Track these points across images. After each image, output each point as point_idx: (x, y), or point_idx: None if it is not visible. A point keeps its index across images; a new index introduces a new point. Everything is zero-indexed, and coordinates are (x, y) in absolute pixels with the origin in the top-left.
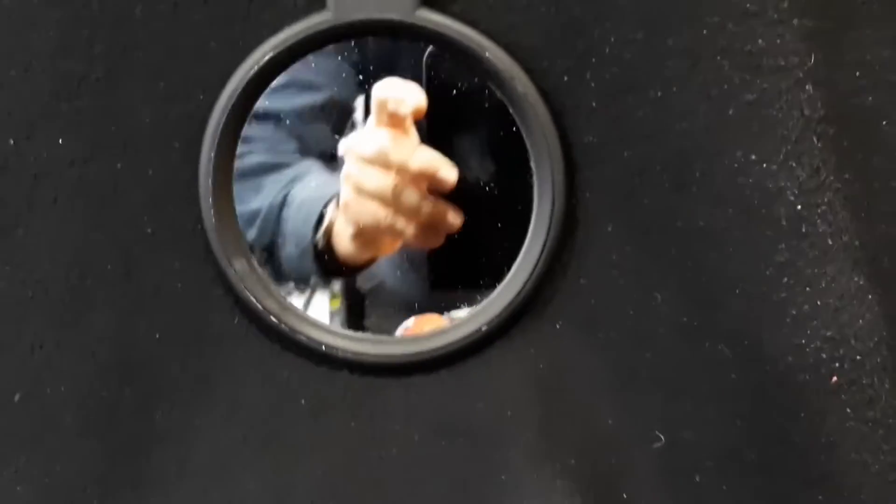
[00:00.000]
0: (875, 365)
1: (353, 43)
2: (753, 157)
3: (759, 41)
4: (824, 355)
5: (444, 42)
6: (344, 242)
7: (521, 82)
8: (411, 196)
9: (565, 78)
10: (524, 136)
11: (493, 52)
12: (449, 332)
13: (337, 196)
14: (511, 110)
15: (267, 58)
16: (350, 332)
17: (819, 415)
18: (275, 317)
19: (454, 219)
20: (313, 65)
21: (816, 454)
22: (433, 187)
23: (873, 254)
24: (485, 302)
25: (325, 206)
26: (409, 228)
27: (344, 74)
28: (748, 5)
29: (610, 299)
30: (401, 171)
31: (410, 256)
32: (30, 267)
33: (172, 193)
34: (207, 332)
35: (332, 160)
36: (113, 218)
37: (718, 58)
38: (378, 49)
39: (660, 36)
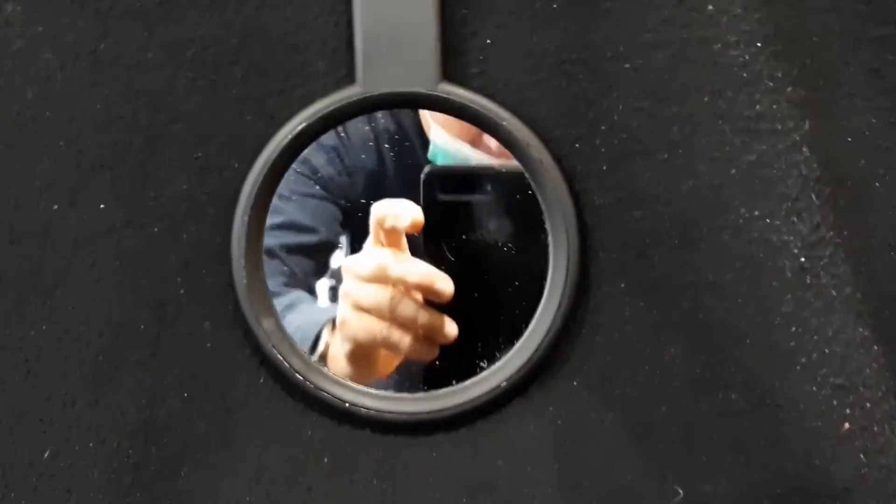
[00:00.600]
0: (885, 413)
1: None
2: (757, 212)
3: (757, 107)
4: (835, 402)
5: (464, 113)
6: (340, 364)
7: (536, 149)
8: (408, 307)
9: (577, 145)
10: (539, 199)
11: (510, 122)
12: (469, 389)
13: (332, 320)
14: (527, 175)
15: (300, 128)
16: (372, 390)
17: (833, 462)
18: (300, 375)
19: (450, 329)
20: (310, 210)
21: (832, 502)
22: (429, 299)
23: (876, 306)
24: (503, 359)
25: (321, 329)
26: (404, 340)
27: (334, 217)
28: (744, 75)
29: (625, 355)
30: (398, 285)
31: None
32: (66, 327)
33: (205, 257)
34: (234, 392)
35: (312, 293)
36: (147, 280)
37: (719, 122)
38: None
39: (664, 104)
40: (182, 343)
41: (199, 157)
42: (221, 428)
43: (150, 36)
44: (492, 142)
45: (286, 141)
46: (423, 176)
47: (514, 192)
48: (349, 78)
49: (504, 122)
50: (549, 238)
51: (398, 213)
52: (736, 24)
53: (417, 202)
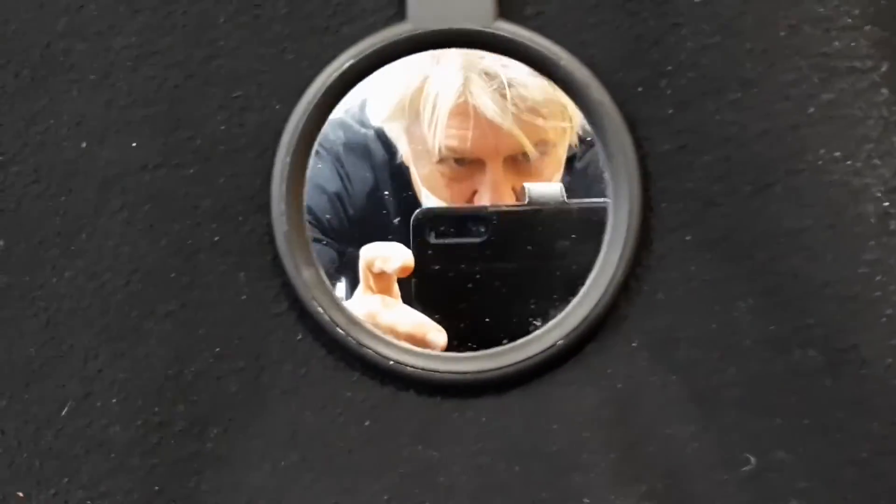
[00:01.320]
0: None
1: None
2: (837, 154)
3: (835, 43)
4: None
5: (520, 51)
6: None
7: (596, 90)
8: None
9: (640, 88)
10: (599, 146)
11: (569, 62)
12: (521, 348)
13: None
14: (586, 120)
15: (347, 65)
16: (417, 349)
17: None
18: (342, 329)
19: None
20: None
21: None
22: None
23: None
24: (559, 316)
25: None
26: None
27: (331, 261)
28: (821, 10)
29: (690, 313)
30: (389, 334)
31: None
32: (90, 273)
33: (242, 202)
34: (269, 348)
35: None
36: (179, 225)
37: (796, 58)
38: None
39: (736, 39)
40: (215, 294)
41: (238, 96)
42: (254, 386)
43: None
44: (483, 202)
45: (332, 79)
46: (413, 218)
47: (508, 233)
48: (399, 16)
49: (562, 62)
50: (609, 187)
51: (387, 256)
52: None
53: (409, 246)
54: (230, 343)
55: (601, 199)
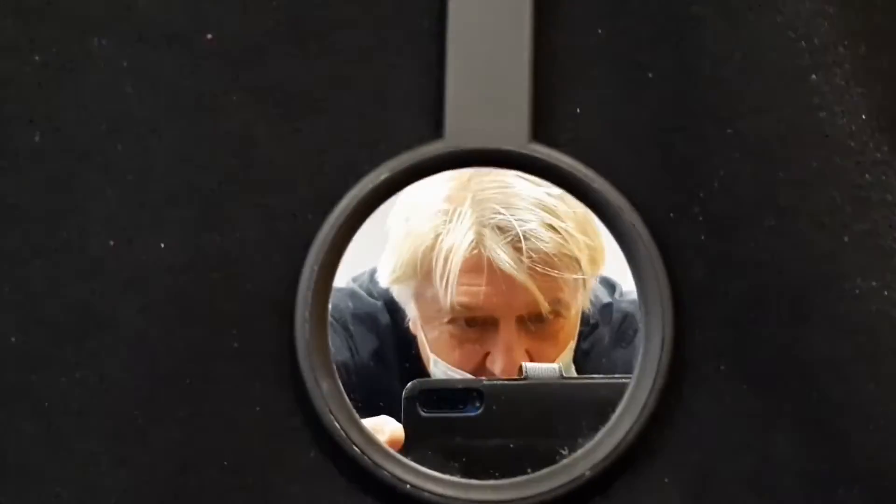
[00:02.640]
0: None
1: None
2: (874, 283)
3: (867, 176)
4: None
5: (553, 173)
6: None
7: (629, 214)
8: None
9: (672, 214)
10: (631, 271)
11: (601, 185)
12: (547, 479)
13: None
14: (618, 244)
15: (382, 178)
16: (438, 474)
17: None
18: (358, 448)
19: None
20: None
21: None
22: None
23: None
24: (587, 446)
25: None
26: None
27: None
28: (851, 144)
29: (725, 448)
30: None
31: None
32: (101, 374)
33: (266, 310)
34: (280, 464)
35: None
36: (200, 330)
37: (829, 188)
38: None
39: (770, 168)
40: (229, 403)
41: (271, 205)
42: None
43: (235, 78)
44: (496, 365)
45: (366, 191)
46: (404, 392)
47: (502, 407)
48: (435, 135)
49: (595, 185)
50: (641, 314)
51: (376, 430)
52: (839, 95)
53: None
54: (240, 456)
55: (601, 377)
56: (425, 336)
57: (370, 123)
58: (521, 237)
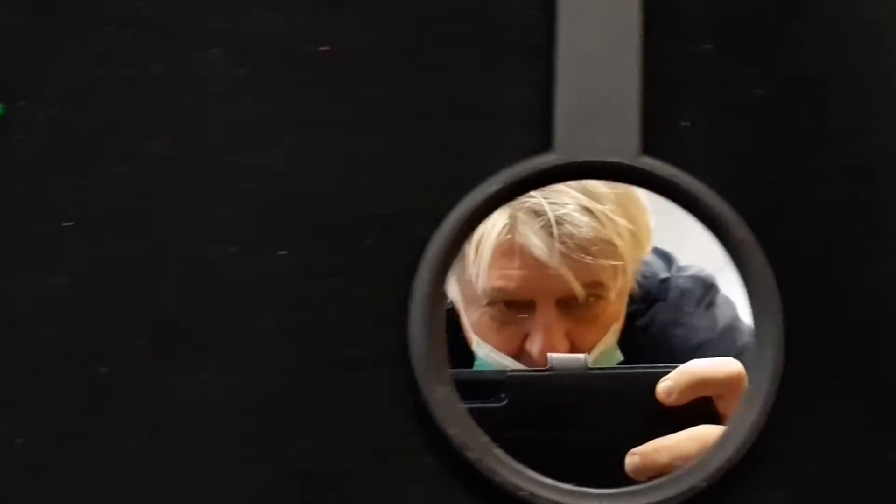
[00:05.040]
0: None
1: None
2: None
3: None
4: None
5: (663, 186)
6: None
7: (740, 229)
8: None
9: (782, 230)
10: (743, 286)
11: (712, 199)
12: (661, 489)
13: None
14: (729, 258)
15: (493, 190)
16: (555, 483)
17: None
18: (473, 455)
19: None
20: None
21: None
22: None
23: None
24: (697, 459)
25: None
26: None
27: None
28: None
29: (837, 461)
30: None
31: None
32: (216, 386)
33: (380, 318)
34: (397, 471)
35: None
36: (317, 337)
37: None
38: None
39: (874, 191)
40: (346, 411)
41: (384, 216)
42: None
43: (348, 92)
44: (534, 347)
45: (476, 203)
46: None
47: (527, 398)
48: (543, 147)
49: (706, 199)
50: (753, 327)
51: None
52: None
53: None
54: (351, 464)
55: (626, 367)
56: (468, 318)
57: (479, 136)
58: (554, 222)
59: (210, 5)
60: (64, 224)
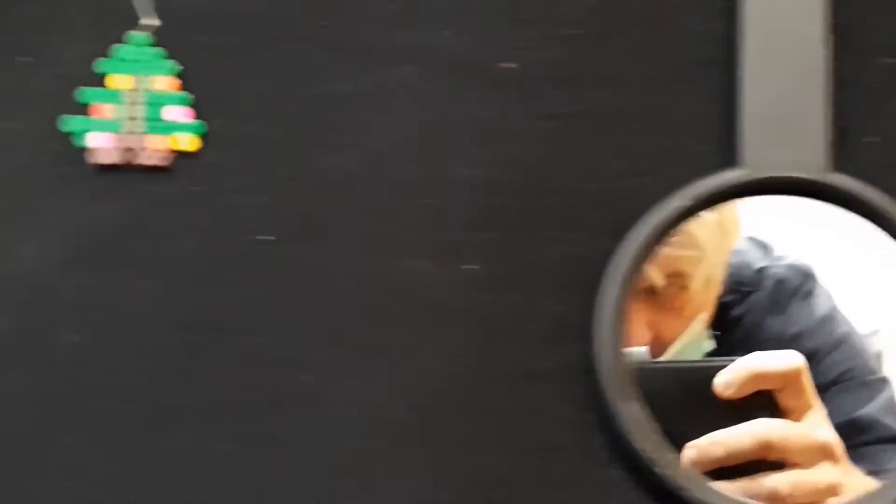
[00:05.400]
0: None
1: None
2: None
3: None
4: None
5: (853, 203)
6: None
7: None
8: None
9: None
10: None
11: None
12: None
13: None
14: None
15: (681, 205)
16: (742, 499)
17: None
18: (662, 468)
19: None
20: None
21: None
22: None
23: None
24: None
25: None
26: None
27: None
28: None
29: None
30: None
31: None
32: (402, 396)
33: (565, 332)
34: (578, 487)
35: None
36: (502, 349)
37: None
38: None
39: None
40: (526, 422)
41: (569, 229)
42: None
43: (531, 108)
44: None
45: (665, 218)
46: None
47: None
48: (727, 163)
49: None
50: None
51: None
52: None
53: None
54: (534, 476)
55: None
56: None
57: (662, 150)
58: None
59: (398, 24)
60: (259, 237)
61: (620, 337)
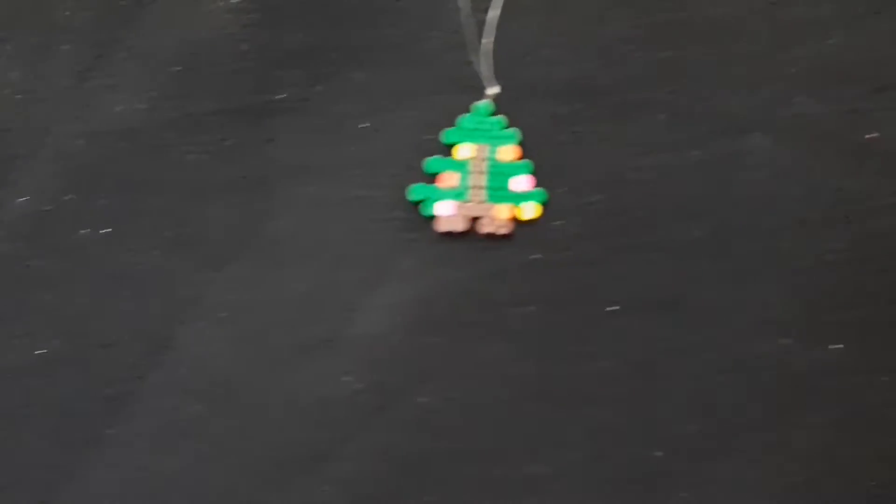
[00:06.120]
0: None
1: None
2: None
3: None
4: None
5: None
6: None
7: None
8: None
9: None
10: None
11: None
12: None
13: None
14: None
15: None
16: None
17: None
18: None
19: None
20: None
21: None
22: None
23: None
24: None
25: None
26: None
27: None
28: None
29: None
30: None
31: None
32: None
33: None
34: None
35: None
36: (870, 434)
37: None
38: None
39: None
40: None
41: None
42: None
43: None
44: None
45: None
46: None
47: None
48: None
49: None
50: None
51: None
52: None
53: None
54: None
55: None
56: None
57: None
58: None
59: (744, 95)
60: (608, 309)
61: None
